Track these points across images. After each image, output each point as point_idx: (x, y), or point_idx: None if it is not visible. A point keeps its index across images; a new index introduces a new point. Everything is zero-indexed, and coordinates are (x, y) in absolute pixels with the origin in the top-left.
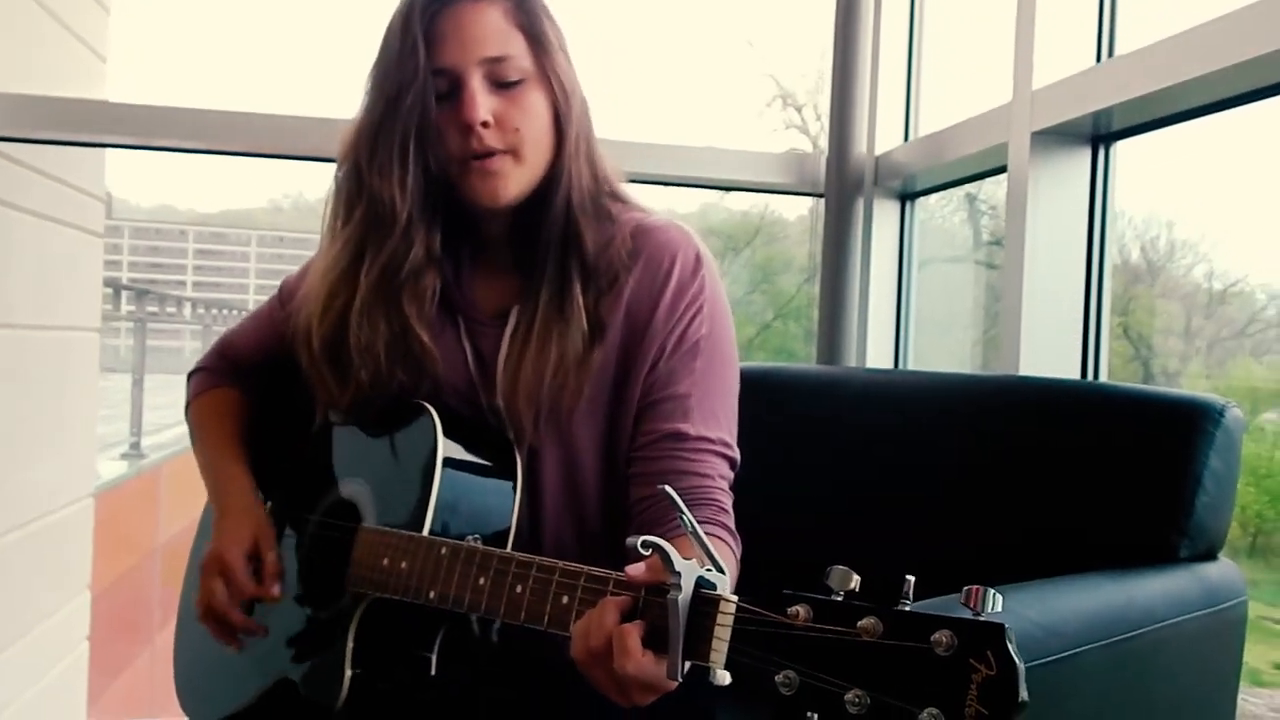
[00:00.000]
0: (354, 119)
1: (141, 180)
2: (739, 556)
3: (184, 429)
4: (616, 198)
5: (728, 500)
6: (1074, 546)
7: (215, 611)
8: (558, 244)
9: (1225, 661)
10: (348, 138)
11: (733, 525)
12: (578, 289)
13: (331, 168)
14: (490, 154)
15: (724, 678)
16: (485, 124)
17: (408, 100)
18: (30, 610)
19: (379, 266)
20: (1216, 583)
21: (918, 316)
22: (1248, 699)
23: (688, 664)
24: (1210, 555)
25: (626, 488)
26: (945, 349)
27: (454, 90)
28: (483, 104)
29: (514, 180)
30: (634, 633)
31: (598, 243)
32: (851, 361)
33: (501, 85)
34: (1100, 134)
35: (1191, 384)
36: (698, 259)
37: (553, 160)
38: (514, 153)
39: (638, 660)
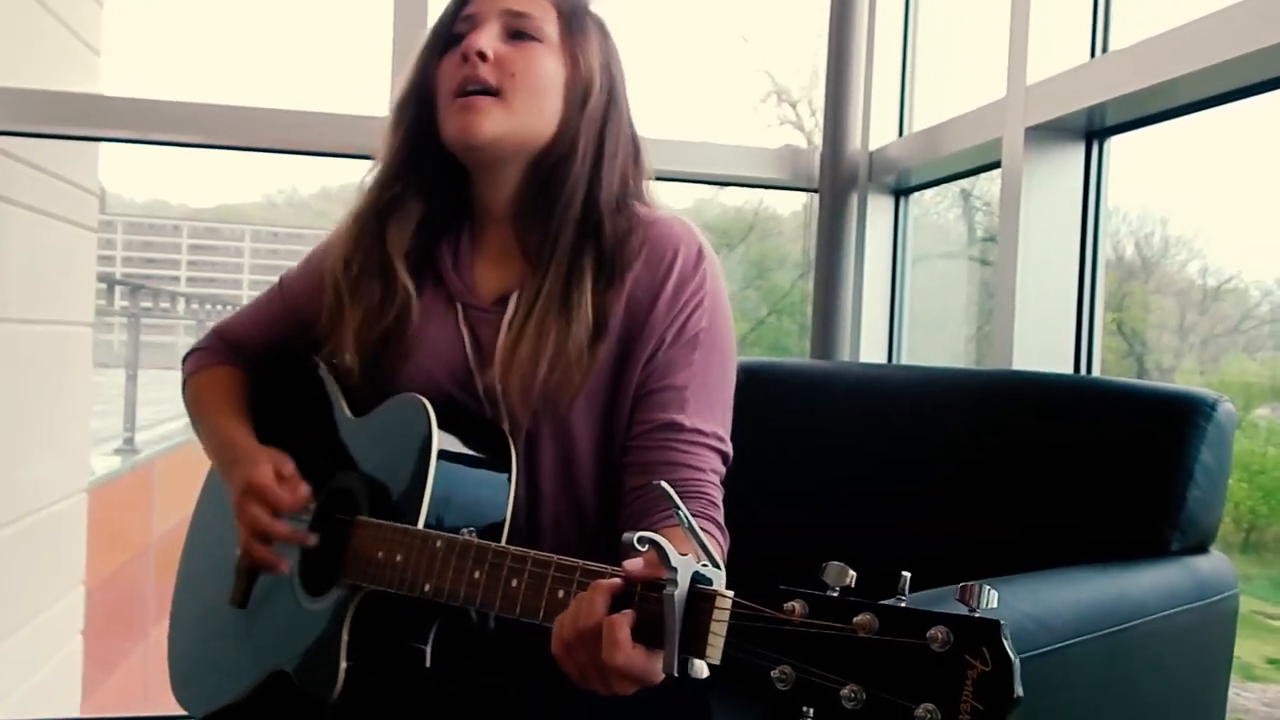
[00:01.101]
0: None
1: (135, 175)
2: (725, 551)
3: (178, 425)
4: (640, 197)
5: (718, 495)
6: (1067, 540)
7: (260, 530)
8: (574, 229)
9: (1216, 654)
10: None
11: (721, 520)
12: (589, 281)
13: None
14: (479, 90)
15: (701, 669)
16: (483, 55)
17: (425, 59)
18: (24, 604)
19: (375, 189)
20: (1208, 576)
21: (913, 313)
22: (1240, 693)
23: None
24: (1202, 548)
25: (621, 477)
26: (940, 345)
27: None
28: (487, 38)
29: (492, 120)
30: (624, 624)
31: (616, 236)
32: (845, 357)
33: (516, 35)
34: (1094, 129)
35: (1185, 380)
36: (700, 253)
37: (556, 134)
38: (502, 95)
39: (626, 652)
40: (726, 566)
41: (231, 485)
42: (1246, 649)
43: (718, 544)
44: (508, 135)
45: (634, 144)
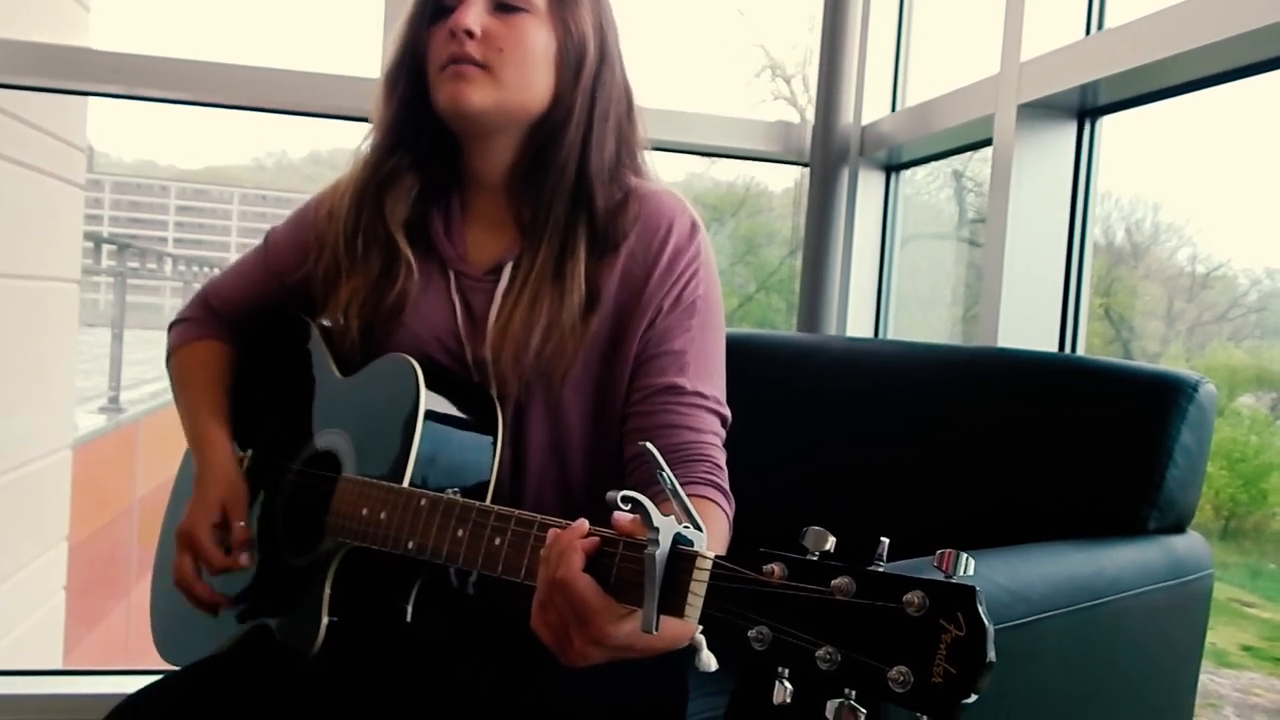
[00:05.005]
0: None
1: (123, 134)
2: (732, 518)
3: (163, 385)
4: (634, 166)
5: (721, 457)
6: (1046, 516)
7: (183, 584)
8: (568, 200)
9: (1189, 633)
10: None
11: (726, 484)
12: (582, 251)
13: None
14: (468, 61)
15: (709, 662)
16: (470, 33)
17: (414, 28)
18: (7, 559)
19: (373, 161)
20: (1183, 555)
21: (902, 294)
22: (1214, 679)
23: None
24: (1179, 528)
25: (618, 447)
26: (928, 325)
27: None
28: (474, 15)
29: (480, 90)
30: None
31: (609, 208)
32: (832, 332)
33: (503, 8)
34: (1087, 108)
35: (1171, 366)
36: (693, 224)
37: (551, 104)
38: (490, 69)
39: (576, 571)
40: (732, 533)
41: (191, 498)
42: (1222, 636)
43: (722, 511)
44: (497, 106)
45: (627, 99)
